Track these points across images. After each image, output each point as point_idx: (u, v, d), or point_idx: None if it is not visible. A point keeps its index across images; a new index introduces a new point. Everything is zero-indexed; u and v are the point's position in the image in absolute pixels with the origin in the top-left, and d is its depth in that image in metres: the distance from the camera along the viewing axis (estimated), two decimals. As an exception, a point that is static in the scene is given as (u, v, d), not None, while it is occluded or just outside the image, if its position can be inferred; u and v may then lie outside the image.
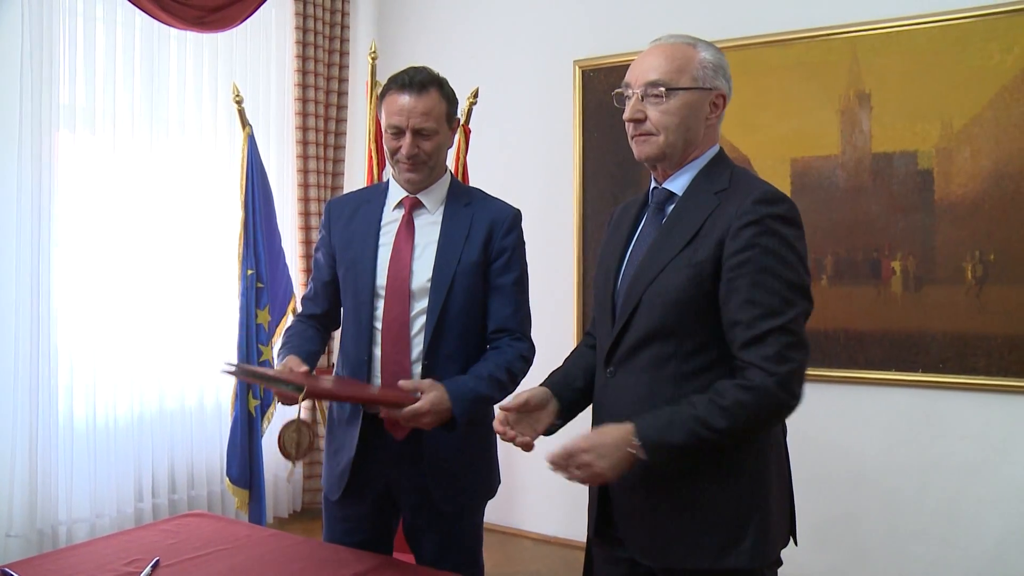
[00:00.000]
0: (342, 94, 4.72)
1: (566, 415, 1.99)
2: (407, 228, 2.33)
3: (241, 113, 3.93)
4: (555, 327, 4.20)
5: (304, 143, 4.48)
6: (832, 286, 3.76)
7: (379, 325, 2.28)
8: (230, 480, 3.84)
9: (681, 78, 1.83)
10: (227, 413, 3.97)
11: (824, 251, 3.76)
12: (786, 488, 1.89)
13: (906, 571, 3.62)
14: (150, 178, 3.88)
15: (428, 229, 2.34)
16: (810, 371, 3.63)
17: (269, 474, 4.19)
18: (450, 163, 4.10)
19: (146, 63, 3.87)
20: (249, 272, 3.90)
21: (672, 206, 1.87)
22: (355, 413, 2.35)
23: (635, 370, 1.83)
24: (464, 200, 2.38)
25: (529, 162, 4.50)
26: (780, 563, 1.84)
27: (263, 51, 4.41)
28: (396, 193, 2.38)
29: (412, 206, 2.35)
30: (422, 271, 2.29)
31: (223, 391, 4.09)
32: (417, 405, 2.07)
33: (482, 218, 2.34)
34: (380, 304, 2.30)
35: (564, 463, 1.69)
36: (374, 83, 3.97)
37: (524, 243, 2.43)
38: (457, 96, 2.39)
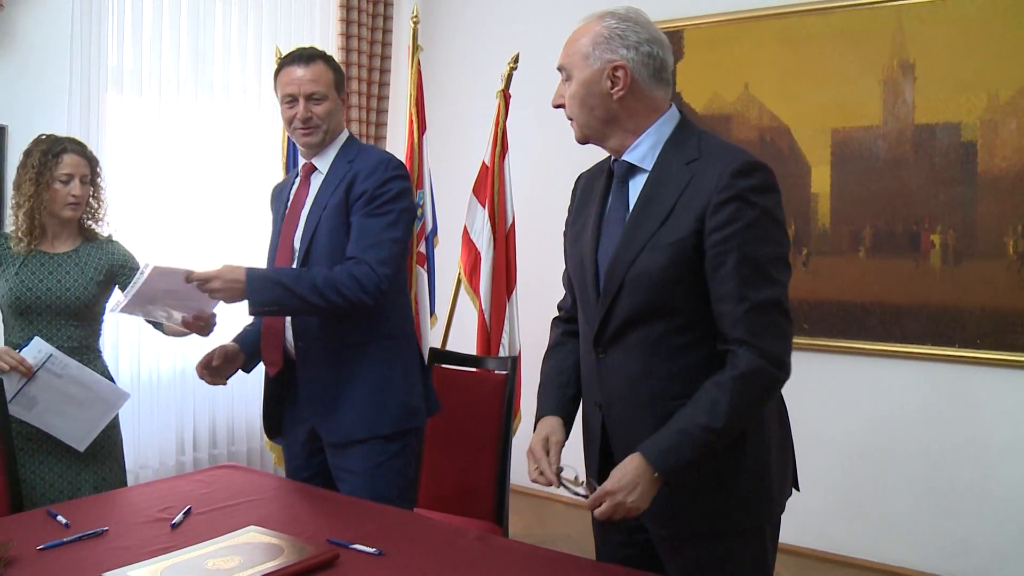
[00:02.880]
0: (385, 58, 4.74)
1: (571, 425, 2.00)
2: (299, 191, 2.50)
3: (283, 76, 3.99)
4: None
5: (347, 107, 4.52)
6: (870, 258, 3.73)
7: None
8: (267, 436, 3.93)
9: (573, 59, 1.82)
10: (267, 371, 4.06)
11: (863, 223, 3.73)
12: (786, 445, 1.90)
13: (937, 547, 3.61)
14: (195, 140, 3.97)
15: (315, 189, 2.49)
16: (845, 343, 3.65)
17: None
18: (489, 127, 4.16)
19: (192, 26, 3.93)
20: (289, 234, 3.96)
21: (640, 180, 1.83)
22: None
23: (627, 348, 1.82)
24: (350, 156, 2.49)
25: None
26: (782, 509, 1.85)
27: (307, 14, 4.45)
28: (299, 163, 2.57)
29: (307, 171, 2.52)
30: (302, 226, 2.45)
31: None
32: (207, 270, 2.20)
33: (357, 168, 2.45)
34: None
35: (605, 512, 1.69)
36: (415, 47, 3.99)
37: (392, 190, 2.43)
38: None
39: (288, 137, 3.98)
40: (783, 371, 1.72)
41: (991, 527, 3.50)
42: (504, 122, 4.07)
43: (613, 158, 1.90)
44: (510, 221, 4.06)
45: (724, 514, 1.78)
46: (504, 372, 3.11)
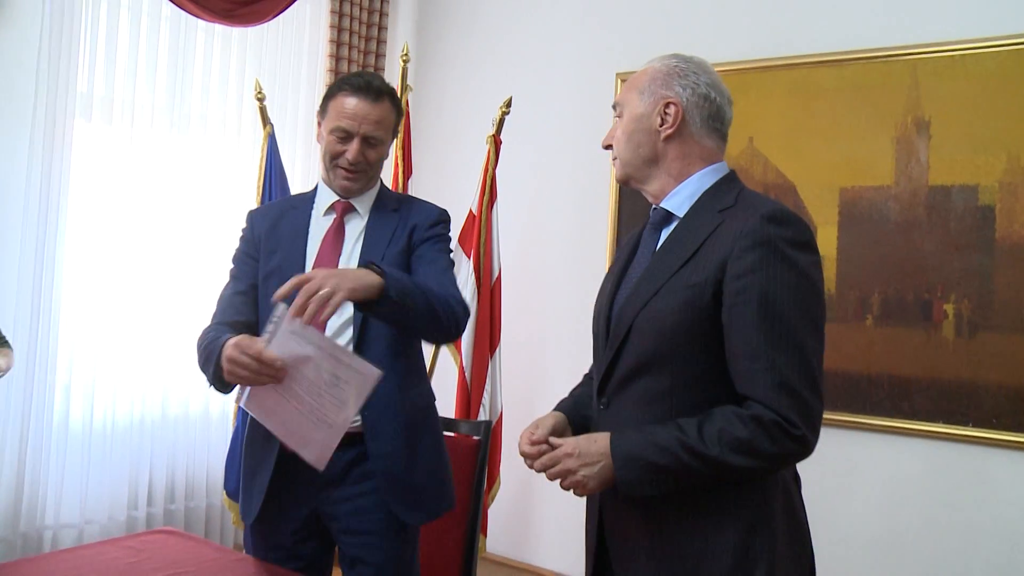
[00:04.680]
0: (376, 98, 4.56)
1: None
2: (336, 233, 2.23)
3: (262, 111, 3.80)
4: (583, 358, 3.95)
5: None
6: (878, 327, 3.49)
7: None
8: (226, 494, 3.69)
9: (629, 95, 1.76)
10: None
11: (871, 289, 3.50)
12: (800, 537, 1.68)
13: (945, 643, 3.32)
14: (167, 173, 3.75)
15: (357, 234, 2.23)
16: (850, 418, 3.39)
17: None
18: (478, 174, 3.98)
19: (171, 55, 3.75)
20: (262, 277, 3.75)
21: (671, 227, 1.72)
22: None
23: (627, 403, 1.68)
24: (393, 205, 2.29)
25: (562, 178, 4.29)
26: None
27: (294, 48, 4.27)
28: (326, 198, 2.27)
29: (344, 211, 2.24)
30: None
31: (229, 399, 3.92)
32: (311, 274, 1.89)
33: (408, 216, 2.26)
34: None
35: (547, 463, 1.62)
36: (404, 87, 3.82)
37: (451, 239, 2.34)
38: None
39: (266, 174, 3.79)
40: (799, 443, 1.51)
41: (1006, 625, 3.21)
42: (494, 169, 3.90)
43: (652, 206, 1.79)
44: (496, 274, 3.86)
45: None
46: (478, 438, 2.93)
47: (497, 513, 3.95)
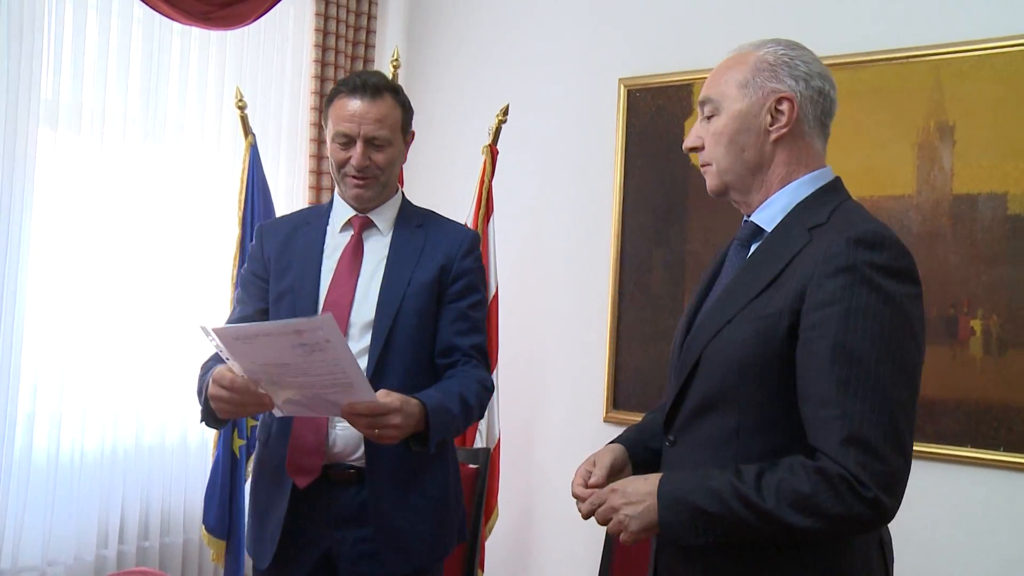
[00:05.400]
0: (363, 107, 4.34)
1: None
2: (355, 252, 2.08)
3: (244, 120, 3.59)
4: (586, 381, 3.76)
5: (319, 157, 4.09)
6: (901, 345, 3.27)
7: None
8: (205, 528, 3.45)
9: (726, 88, 1.51)
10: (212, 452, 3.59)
11: (893, 305, 3.28)
12: None
13: None
14: (141, 187, 3.51)
15: (378, 253, 2.08)
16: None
17: (255, 522, 3.76)
18: (474, 186, 3.76)
19: (144, 59, 3.51)
20: (243, 295, 3.52)
21: (757, 244, 1.51)
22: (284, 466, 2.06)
23: (695, 444, 1.50)
24: (417, 221, 2.15)
25: (562, 191, 4.07)
26: None
27: (277, 53, 4.04)
28: (343, 212, 2.14)
29: (362, 226, 2.10)
30: (366, 301, 2.04)
31: (209, 428, 3.68)
32: (387, 400, 1.76)
33: (437, 239, 2.11)
34: None
35: (595, 502, 1.48)
36: (394, 94, 3.61)
37: (483, 269, 2.22)
38: (412, 106, 2.22)
39: (248, 188, 3.57)
40: (874, 509, 1.30)
41: (1045, 665, 2.98)
42: (490, 181, 3.72)
43: (744, 218, 1.59)
44: (493, 291, 3.65)
45: None
46: (475, 466, 2.79)
47: (495, 546, 3.71)
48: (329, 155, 2.12)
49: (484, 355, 2.17)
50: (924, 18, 3.26)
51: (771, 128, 1.50)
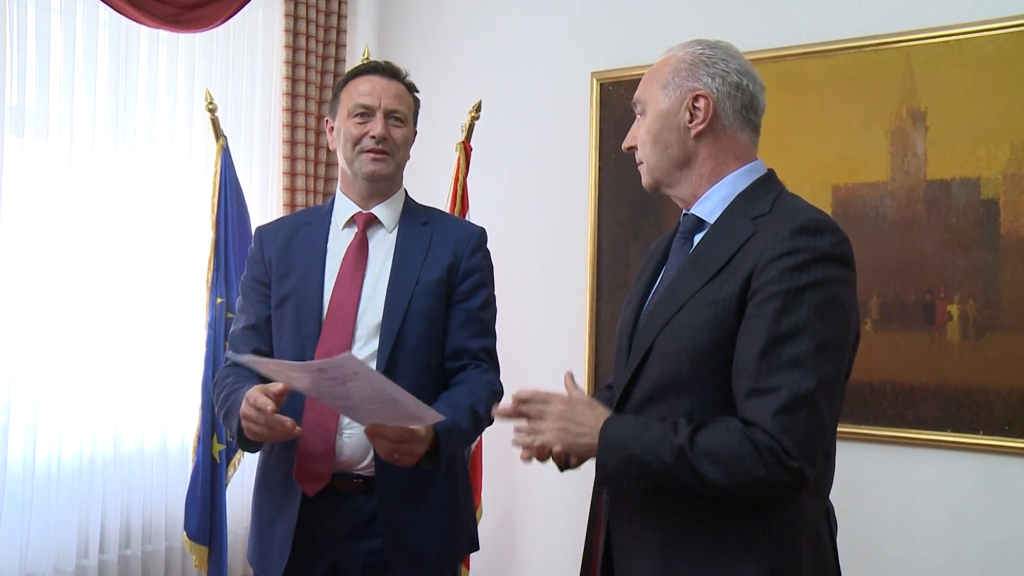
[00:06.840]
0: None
1: None
2: (359, 250, 2.02)
3: (215, 123, 3.55)
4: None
5: (292, 158, 4.06)
6: (878, 332, 3.28)
7: None
8: (187, 535, 3.42)
9: (650, 90, 1.59)
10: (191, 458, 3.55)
11: (869, 292, 3.29)
12: None
13: (963, 668, 3.10)
14: (112, 191, 3.46)
15: (383, 251, 2.03)
16: (851, 429, 3.18)
17: (239, 528, 3.73)
18: (448, 184, 3.74)
19: (111, 64, 3.46)
20: (219, 300, 3.49)
21: (701, 235, 1.57)
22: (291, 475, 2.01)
23: None
24: (422, 218, 2.11)
25: (538, 186, 4.05)
26: None
27: (247, 54, 4.00)
28: (345, 210, 2.09)
29: (366, 223, 2.05)
30: (373, 302, 1.99)
31: (188, 432, 3.65)
32: (418, 428, 1.77)
33: (444, 236, 2.07)
34: None
35: (534, 399, 1.52)
36: (366, 92, 3.58)
37: (492, 266, 2.18)
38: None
39: (221, 191, 3.53)
40: (795, 477, 1.36)
41: (1028, 646, 3.00)
42: (464, 178, 3.70)
43: (683, 212, 1.64)
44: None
45: None
46: None
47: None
48: (342, 138, 2.08)
49: (493, 358, 2.17)
50: (894, 5, 3.27)
51: (690, 125, 1.57)
